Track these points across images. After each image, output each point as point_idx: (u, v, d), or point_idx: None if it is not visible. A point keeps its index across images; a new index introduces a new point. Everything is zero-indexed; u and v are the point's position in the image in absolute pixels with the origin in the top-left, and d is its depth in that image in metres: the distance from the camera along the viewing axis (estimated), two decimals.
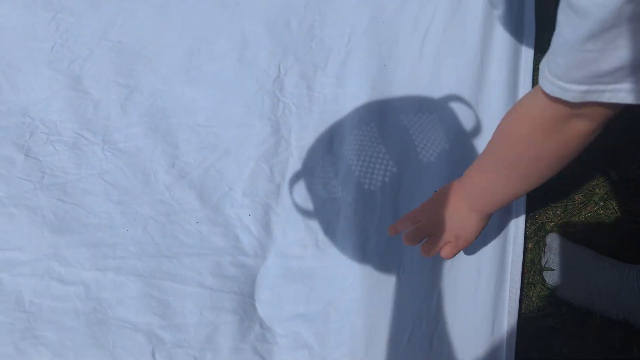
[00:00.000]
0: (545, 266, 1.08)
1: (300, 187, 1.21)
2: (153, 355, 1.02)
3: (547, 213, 1.17)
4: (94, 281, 1.10)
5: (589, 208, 1.17)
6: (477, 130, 1.22)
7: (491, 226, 1.09)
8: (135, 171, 1.22)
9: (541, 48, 1.34)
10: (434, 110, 1.27)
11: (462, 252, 1.08)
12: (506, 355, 1.00)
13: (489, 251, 1.09)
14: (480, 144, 1.21)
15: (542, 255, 1.10)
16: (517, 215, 1.13)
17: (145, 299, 1.07)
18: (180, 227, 1.16)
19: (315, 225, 1.16)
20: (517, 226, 1.12)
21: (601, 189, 1.18)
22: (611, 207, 1.16)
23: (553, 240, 1.09)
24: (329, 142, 1.25)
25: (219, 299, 1.08)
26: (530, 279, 1.10)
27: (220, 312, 1.07)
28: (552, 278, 1.06)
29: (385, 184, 1.17)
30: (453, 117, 1.25)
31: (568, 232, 1.14)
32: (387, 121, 1.25)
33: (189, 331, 1.05)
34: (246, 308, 1.08)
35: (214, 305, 1.07)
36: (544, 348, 1.04)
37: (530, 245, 1.14)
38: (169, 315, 1.06)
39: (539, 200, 1.17)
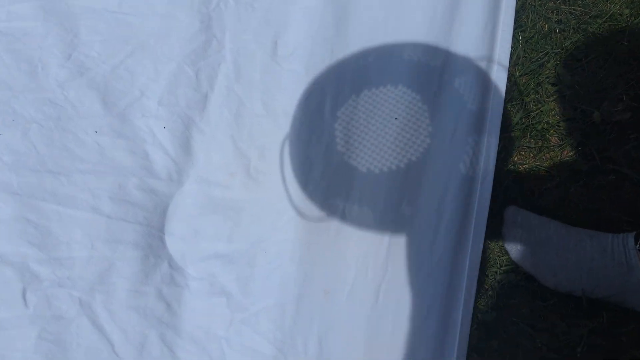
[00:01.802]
0: (508, 242, 0.92)
1: (233, 100, 0.98)
2: (23, 295, 0.79)
3: (520, 154, 1.00)
4: None
5: (565, 152, 1.01)
6: (445, 59, 1.01)
7: (455, 167, 0.91)
8: (17, 60, 0.94)
9: None
10: (400, 21, 1.04)
11: (421, 191, 0.90)
12: (462, 314, 0.85)
13: (452, 194, 0.91)
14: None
15: (502, 231, 0.93)
16: (488, 156, 0.95)
17: (18, 224, 0.83)
18: (73, 136, 0.90)
19: (247, 148, 0.94)
20: (486, 167, 0.94)
21: (580, 131, 1.02)
22: (589, 152, 1.01)
23: (515, 214, 0.93)
24: (272, 47, 1.01)
25: (117, 229, 0.85)
26: (493, 229, 0.94)
27: (118, 245, 0.85)
28: (520, 256, 0.90)
29: (338, 104, 0.96)
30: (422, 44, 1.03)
31: (541, 178, 0.98)
32: (346, 29, 1.02)
33: (75, 267, 0.83)
34: (152, 242, 0.87)
35: (111, 237, 0.85)
36: (503, 307, 0.90)
37: (497, 190, 0.97)
38: (49, 246, 0.83)
39: (511, 139, 1.00)
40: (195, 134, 0.94)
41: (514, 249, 0.89)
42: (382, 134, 0.95)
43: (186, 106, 0.95)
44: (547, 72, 1.06)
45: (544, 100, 1.04)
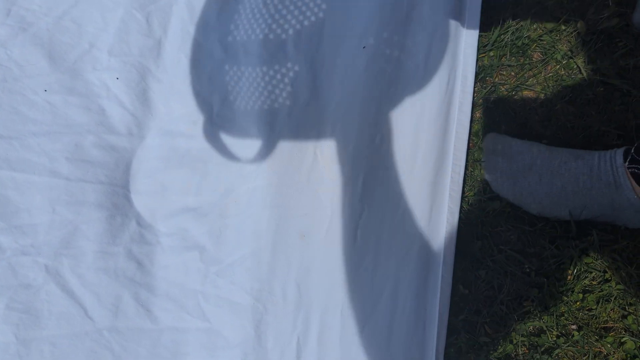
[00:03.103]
0: (488, 172, 0.86)
1: (188, 43, 0.91)
2: None
3: (500, 74, 0.94)
4: None
5: (549, 68, 0.95)
6: None
7: (430, 92, 0.86)
8: None
9: None
10: None
11: (394, 124, 0.85)
12: (445, 245, 0.81)
13: (428, 120, 0.86)
14: None
15: (483, 164, 0.88)
16: (465, 77, 0.89)
17: None
18: (22, 97, 0.85)
19: (208, 94, 0.88)
20: (464, 90, 0.88)
21: (564, 44, 0.95)
22: (575, 65, 0.94)
23: (495, 142, 0.87)
24: None
25: (78, 191, 0.81)
26: (476, 155, 0.89)
27: (81, 207, 0.81)
28: (502, 187, 0.85)
29: (302, 36, 0.89)
30: None
31: (524, 98, 0.92)
32: None
33: (38, 234, 0.79)
34: (117, 201, 0.83)
35: (72, 199, 0.81)
36: (489, 236, 0.86)
37: (478, 114, 0.92)
38: (8, 215, 0.79)
39: (490, 59, 0.94)
40: (152, 83, 0.89)
41: (495, 180, 0.85)
42: (351, 65, 0.88)
43: (139, 54, 0.89)
44: None
45: (523, 14, 0.97)
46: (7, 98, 0.84)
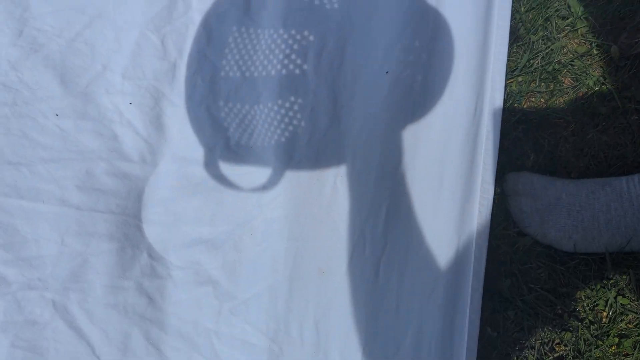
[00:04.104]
0: (514, 213, 0.82)
1: (205, 67, 0.88)
2: None
3: (529, 101, 0.90)
4: None
5: (580, 94, 0.91)
6: None
7: (456, 121, 0.82)
8: None
9: None
10: None
11: (419, 150, 0.81)
12: (473, 285, 0.77)
13: (454, 151, 0.82)
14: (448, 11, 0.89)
15: (507, 202, 0.83)
16: (493, 106, 0.84)
17: None
18: (32, 121, 0.82)
19: (225, 119, 0.85)
20: (492, 117, 0.84)
21: (597, 69, 0.91)
22: (608, 92, 0.90)
23: (516, 181, 0.82)
24: (245, 3, 0.90)
25: (89, 221, 0.78)
26: (504, 186, 0.85)
27: (91, 238, 0.77)
28: (529, 226, 0.80)
29: (322, 60, 0.86)
30: None
31: (554, 127, 0.88)
32: None
33: (45, 266, 0.76)
34: (128, 232, 0.79)
35: (82, 230, 0.78)
36: (518, 273, 0.81)
37: (506, 143, 0.87)
38: (16, 246, 0.76)
39: (519, 85, 0.90)
40: (167, 107, 0.85)
41: (522, 220, 0.80)
42: (373, 90, 0.85)
43: (154, 77, 0.86)
44: (555, 4, 0.94)
45: (554, 37, 0.93)
46: (17, 122, 0.81)
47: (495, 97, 0.85)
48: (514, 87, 0.90)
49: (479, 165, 0.82)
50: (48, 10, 0.88)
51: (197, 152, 0.84)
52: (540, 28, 0.93)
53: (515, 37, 0.93)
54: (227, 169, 0.83)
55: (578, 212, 0.77)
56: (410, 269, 0.76)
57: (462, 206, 0.79)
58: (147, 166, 0.83)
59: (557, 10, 0.94)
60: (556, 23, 0.94)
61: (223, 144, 0.84)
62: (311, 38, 0.87)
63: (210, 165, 0.83)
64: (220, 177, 0.82)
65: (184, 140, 0.84)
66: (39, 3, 0.88)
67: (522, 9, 0.94)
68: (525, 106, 0.90)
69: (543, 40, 0.92)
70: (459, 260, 0.77)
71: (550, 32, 0.93)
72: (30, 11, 0.88)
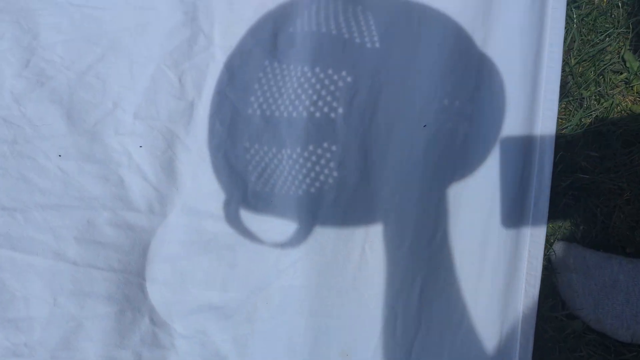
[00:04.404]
0: (563, 291, 0.73)
1: (225, 108, 0.80)
2: None
3: (580, 164, 0.81)
4: None
5: (636, 159, 0.82)
6: (483, 44, 0.82)
7: (501, 186, 0.73)
8: None
9: None
10: (423, 11, 0.84)
11: (460, 216, 0.72)
12: None
13: (498, 221, 0.73)
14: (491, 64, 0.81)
15: (555, 277, 0.74)
16: (541, 169, 0.76)
17: None
18: (32, 162, 0.74)
19: (243, 168, 0.77)
20: (540, 181, 0.76)
21: None
22: None
23: (567, 254, 0.74)
24: (271, 41, 0.83)
25: (85, 279, 0.70)
26: (552, 260, 0.76)
27: (86, 299, 0.69)
28: (581, 308, 0.71)
29: (353, 108, 0.78)
30: (453, 25, 0.83)
31: (607, 194, 0.79)
32: (364, 12, 0.83)
33: (34, 330, 0.67)
34: (130, 292, 0.71)
35: (77, 289, 0.69)
36: None
37: (554, 211, 0.79)
38: (3, 304, 0.68)
39: (569, 146, 0.81)
40: (180, 152, 0.77)
41: (572, 300, 0.71)
42: (408, 146, 0.77)
43: (168, 118, 0.78)
44: (609, 57, 0.86)
45: (607, 94, 0.84)
46: (16, 162, 0.74)
47: (544, 159, 0.77)
48: (563, 150, 0.81)
49: (526, 236, 0.74)
50: (59, 39, 0.81)
51: (211, 203, 0.76)
52: (592, 83, 0.85)
53: (565, 92, 0.85)
54: (243, 225, 0.74)
55: (638, 298, 0.68)
56: (446, 356, 0.67)
57: (507, 284, 0.70)
58: (155, 217, 0.75)
59: (610, 64, 0.86)
60: (610, 78, 0.85)
61: (240, 196, 0.76)
62: (341, 83, 0.80)
63: (225, 220, 0.75)
64: (234, 235, 0.73)
65: (197, 190, 0.76)
66: (50, 31, 0.81)
67: (572, 61, 0.86)
68: (575, 170, 0.81)
69: (595, 97, 0.84)
70: (503, 348, 0.67)
71: (603, 89, 0.85)
72: (39, 40, 0.81)
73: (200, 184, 0.77)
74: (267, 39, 0.83)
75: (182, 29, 0.82)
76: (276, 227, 0.73)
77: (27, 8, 0.82)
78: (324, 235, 0.72)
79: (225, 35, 0.83)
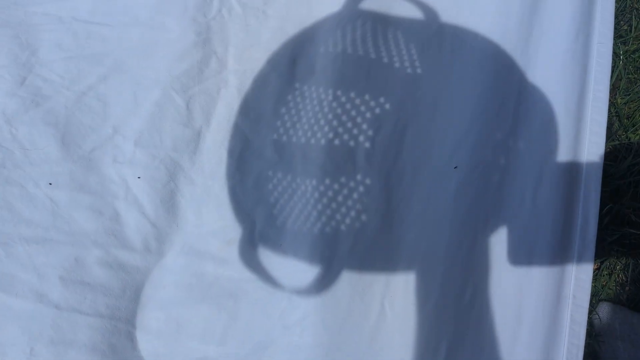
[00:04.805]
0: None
1: (236, 138, 0.73)
2: None
3: (630, 216, 0.73)
4: None
5: None
6: (523, 77, 0.74)
7: (538, 242, 0.65)
8: None
9: None
10: (457, 36, 0.77)
11: (490, 275, 0.64)
12: None
13: (539, 269, 0.65)
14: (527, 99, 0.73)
15: (597, 344, 0.65)
16: (586, 222, 0.67)
17: None
18: (20, 189, 0.67)
19: (252, 205, 0.69)
20: (584, 235, 0.67)
21: None
22: None
23: (613, 317, 0.65)
24: (289, 67, 0.76)
25: (68, 326, 0.62)
26: (598, 328, 0.66)
27: (67, 349, 0.61)
28: None
29: (375, 142, 0.70)
30: (491, 53, 0.76)
31: None
32: (386, 37, 0.76)
33: None
34: (117, 342, 0.63)
35: (58, 337, 0.61)
36: None
37: (600, 268, 0.70)
38: None
39: (617, 196, 0.73)
40: (183, 185, 0.70)
41: None
42: (437, 189, 0.68)
43: (172, 147, 0.71)
44: None
45: None
46: (2, 189, 0.67)
47: (588, 209, 0.68)
48: (609, 199, 0.72)
49: (567, 298, 0.65)
50: (59, 56, 0.75)
51: (214, 243, 0.68)
52: None
53: (611, 134, 0.76)
54: (247, 269, 0.66)
55: None
56: None
57: (546, 352, 0.61)
58: (151, 256, 0.67)
59: None
60: None
61: (246, 236, 0.68)
62: (364, 108, 0.72)
63: (227, 263, 0.67)
64: (238, 281, 0.65)
65: (199, 228, 0.69)
66: (51, 47, 0.75)
67: (619, 101, 0.78)
68: (624, 224, 0.72)
69: None
70: None
71: None
72: (38, 56, 0.75)
73: (203, 221, 0.69)
74: (285, 64, 0.76)
75: (193, 51, 0.76)
76: (285, 274, 0.65)
77: (28, 22, 0.77)
78: (338, 287, 0.64)
79: (239, 59, 0.77)
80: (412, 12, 0.78)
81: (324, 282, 0.64)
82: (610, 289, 0.70)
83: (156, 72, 0.74)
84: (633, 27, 0.80)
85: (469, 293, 0.63)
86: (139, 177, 0.69)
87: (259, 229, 0.68)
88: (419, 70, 0.74)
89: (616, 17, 0.80)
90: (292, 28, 0.78)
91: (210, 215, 0.69)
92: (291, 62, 0.77)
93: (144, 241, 0.67)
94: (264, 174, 0.71)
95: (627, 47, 0.80)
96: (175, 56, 0.75)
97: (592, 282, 0.69)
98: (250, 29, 0.78)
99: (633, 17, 0.81)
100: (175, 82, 0.74)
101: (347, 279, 0.64)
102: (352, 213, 0.67)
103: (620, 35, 0.80)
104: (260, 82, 0.75)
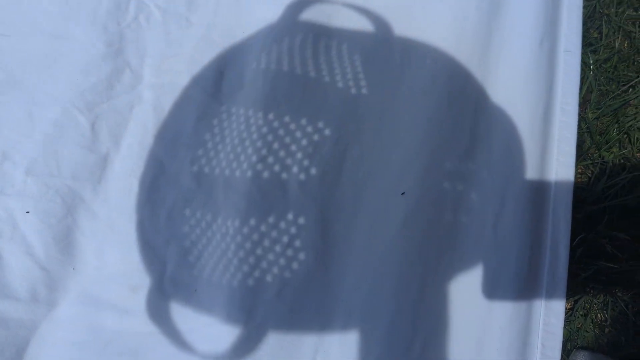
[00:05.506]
0: None
1: (149, 164, 0.62)
2: None
3: (605, 246, 0.63)
4: None
5: None
6: (480, 92, 0.65)
7: (503, 281, 0.55)
8: None
9: None
10: (407, 46, 0.68)
11: (440, 323, 0.53)
12: None
13: (501, 315, 0.55)
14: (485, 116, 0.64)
15: None
16: (556, 253, 0.58)
17: None
18: None
19: (163, 245, 0.59)
20: (553, 274, 0.57)
21: None
22: None
23: None
24: (215, 82, 0.66)
25: None
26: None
27: None
28: None
29: (311, 168, 0.60)
30: (444, 67, 0.67)
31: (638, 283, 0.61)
32: (328, 51, 0.66)
33: None
34: None
35: None
36: None
37: (572, 308, 0.60)
38: None
39: (588, 223, 0.64)
40: (83, 220, 0.59)
41: None
42: (382, 219, 0.58)
43: (71, 176, 0.60)
44: (633, 111, 0.69)
45: (634, 158, 0.67)
46: None
47: (558, 241, 0.59)
48: (583, 228, 0.63)
49: (535, 347, 0.55)
50: None
51: (115, 290, 0.57)
52: (614, 143, 0.68)
53: (581, 153, 0.67)
54: (152, 322, 0.55)
55: None
56: None
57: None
58: (38, 307, 0.56)
59: (635, 120, 0.69)
60: (637, 137, 0.68)
61: (154, 281, 0.57)
62: (299, 134, 0.62)
63: (131, 315, 0.55)
64: (143, 336, 0.54)
65: (99, 271, 0.58)
66: None
67: (590, 115, 0.69)
68: (599, 257, 0.62)
69: (620, 160, 0.67)
70: None
71: (629, 150, 0.67)
72: None
73: (105, 263, 0.58)
74: (210, 77, 0.66)
75: (101, 63, 0.65)
76: (198, 328, 0.54)
77: None
78: (264, 342, 0.53)
79: (157, 71, 0.67)
80: (358, 23, 0.69)
81: (246, 335, 0.53)
82: (587, 331, 0.61)
83: (56, 87, 0.64)
84: (603, 35, 0.72)
85: (419, 344, 0.53)
86: (27, 212, 0.58)
87: (169, 274, 0.57)
88: (363, 87, 0.65)
89: (584, 23, 0.72)
90: (219, 37, 0.68)
91: (113, 256, 0.58)
92: (217, 75, 0.67)
93: (31, 289, 0.56)
94: (178, 207, 0.60)
95: (597, 56, 0.71)
96: (80, 69, 0.65)
97: (565, 326, 0.59)
98: (170, 38, 0.68)
99: (603, 23, 0.73)
100: (78, 99, 0.64)
101: (274, 331, 0.53)
102: (280, 259, 0.56)
103: (589, 44, 0.72)
104: (181, 98, 0.65)
